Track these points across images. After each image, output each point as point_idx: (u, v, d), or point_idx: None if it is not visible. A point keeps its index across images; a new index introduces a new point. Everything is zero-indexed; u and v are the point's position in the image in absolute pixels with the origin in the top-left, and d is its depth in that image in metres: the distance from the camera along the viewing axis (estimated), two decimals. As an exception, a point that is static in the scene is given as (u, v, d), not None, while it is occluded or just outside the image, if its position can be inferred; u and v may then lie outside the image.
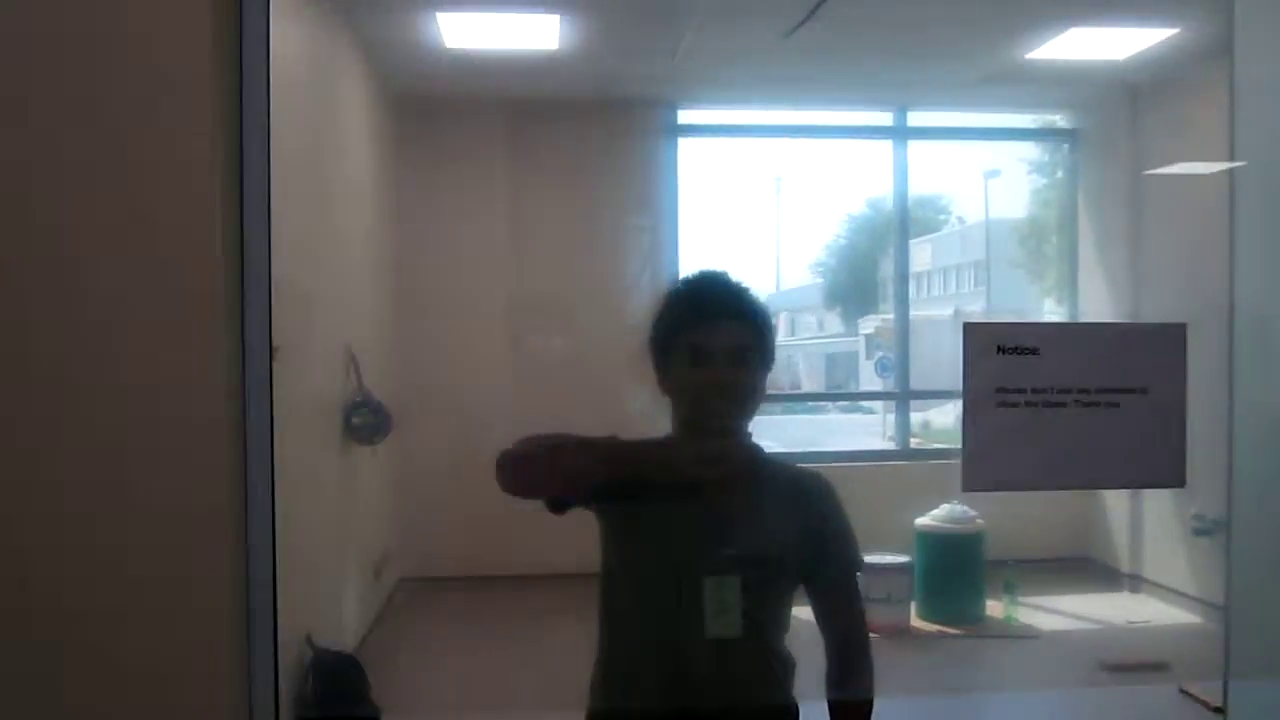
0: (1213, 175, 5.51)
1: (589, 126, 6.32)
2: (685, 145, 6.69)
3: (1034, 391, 1.47)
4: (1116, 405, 1.46)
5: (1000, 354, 1.47)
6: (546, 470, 1.73)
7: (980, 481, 1.48)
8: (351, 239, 5.07)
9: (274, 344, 3.23)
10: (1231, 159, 1.76)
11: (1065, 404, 1.47)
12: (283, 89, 3.73)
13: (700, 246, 7.36)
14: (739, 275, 1.81)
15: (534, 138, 6.23)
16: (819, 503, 1.86)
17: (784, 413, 10.66)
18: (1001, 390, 1.47)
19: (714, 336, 1.73)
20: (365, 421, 4.79)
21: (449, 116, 6.24)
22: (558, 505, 1.75)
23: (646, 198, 6.47)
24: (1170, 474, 1.50)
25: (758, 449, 1.82)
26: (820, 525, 1.84)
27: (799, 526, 1.81)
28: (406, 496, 5.68)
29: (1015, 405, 1.47)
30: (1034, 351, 1.46)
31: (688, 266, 6.62)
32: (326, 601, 4.45)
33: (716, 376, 1.72)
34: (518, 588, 5.50)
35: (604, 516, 1.81)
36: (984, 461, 1.46)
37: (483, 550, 5.47)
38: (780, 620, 1.82)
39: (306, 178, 4.17)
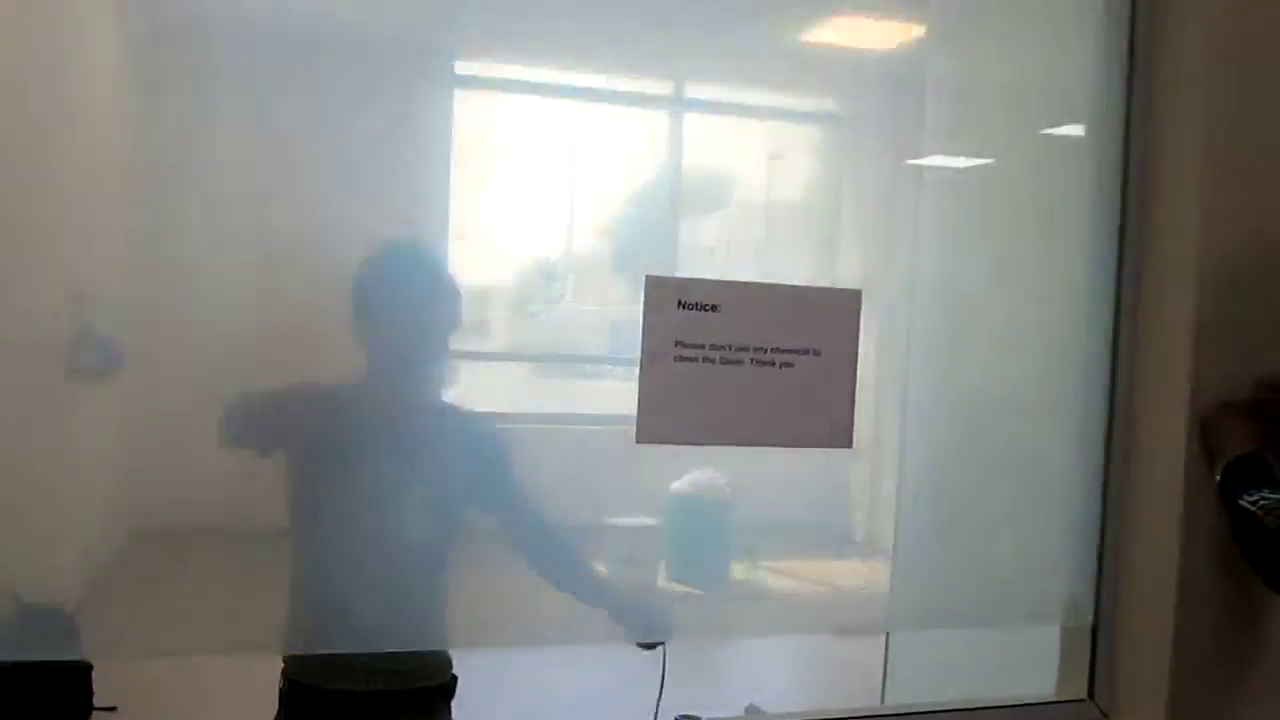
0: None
1: (349, 67, 6.01)
2: (462, 99, 6.44)
3: (712, 348, 1.49)
4: (791, 365, 1.50)
5: (681, 309, 1.47)
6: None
7: (653, 434, 1.49)
8: (76, 157, 4.66)
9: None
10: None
11: (742, 361, 1.50)
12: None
13: (476, 209, 7.09)
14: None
15: (281, 73, 5.88)
16: None
17: (577, 377, 10.72)
18: (680, 344, 1.48)
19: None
20: (89, 359, 4.43)
21: (191, 38, 5.81)
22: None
23: (412, 153, 6.20)
24: (837, 436, 1.56)
25: None
26: None
27: None
28: (141, 442, 5.30)
29: (693, 360, 1.49)
30: (713, 308, 1.47)
31: (456, 234, 6.42)
32: (36, 558, 4.11)
33: None
34: (261, 540, 5.28)
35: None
36: (659, 415, 1.47)
37: (232, 501, 5.18)
38: None
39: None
